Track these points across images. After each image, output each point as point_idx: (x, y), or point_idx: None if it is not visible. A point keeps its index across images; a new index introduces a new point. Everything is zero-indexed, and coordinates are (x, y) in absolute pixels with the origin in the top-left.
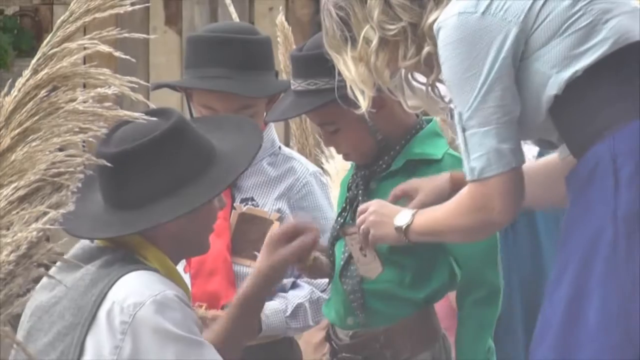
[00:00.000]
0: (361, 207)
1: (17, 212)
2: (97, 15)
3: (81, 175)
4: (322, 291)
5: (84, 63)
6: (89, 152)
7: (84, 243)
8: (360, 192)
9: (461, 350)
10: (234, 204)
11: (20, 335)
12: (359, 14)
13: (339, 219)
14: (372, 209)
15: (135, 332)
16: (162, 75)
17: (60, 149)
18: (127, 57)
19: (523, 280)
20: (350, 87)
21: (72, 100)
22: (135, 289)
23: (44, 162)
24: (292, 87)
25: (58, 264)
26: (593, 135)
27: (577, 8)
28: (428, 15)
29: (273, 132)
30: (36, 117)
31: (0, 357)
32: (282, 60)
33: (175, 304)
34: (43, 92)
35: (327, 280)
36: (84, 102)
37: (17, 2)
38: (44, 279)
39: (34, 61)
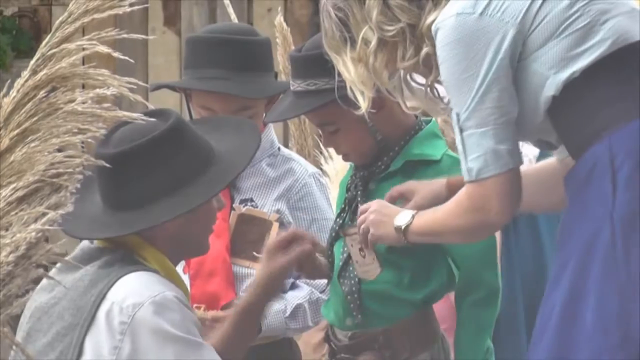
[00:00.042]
0: (362, 206)
1: (16, 213)
2: (96, 15)
3: (80, 176)
4: (321, 292)
5: (83, 64)
6: (88, 152)
7: (83, 244)
8: (359, 192)
9: (460, 351)
10: (233, 205)
11: (19, 336)
12: (357, 14)
13: (337, 219)
14: (373, 208)
15: (134, 333)
16: (160, 76)
17: (59, 150)
18: (126, 57)
19: (525, 280)
20: (350, 87)
21: (71, 101)
22: (135, 290)
23: (42, 162)
24: (292, 88)
25: (58, 265)
26: (591, 136)
27: (575, 9)
28: (426, 16)
29: (272, 133)
30: (35, 118)
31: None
32: (281, 61)
33: (174, 305)
34: (42, 93)
35: (326, 281)
36: (83, 102)
37: (15, 2)
38: (44, 280)
39: (32, 62)
